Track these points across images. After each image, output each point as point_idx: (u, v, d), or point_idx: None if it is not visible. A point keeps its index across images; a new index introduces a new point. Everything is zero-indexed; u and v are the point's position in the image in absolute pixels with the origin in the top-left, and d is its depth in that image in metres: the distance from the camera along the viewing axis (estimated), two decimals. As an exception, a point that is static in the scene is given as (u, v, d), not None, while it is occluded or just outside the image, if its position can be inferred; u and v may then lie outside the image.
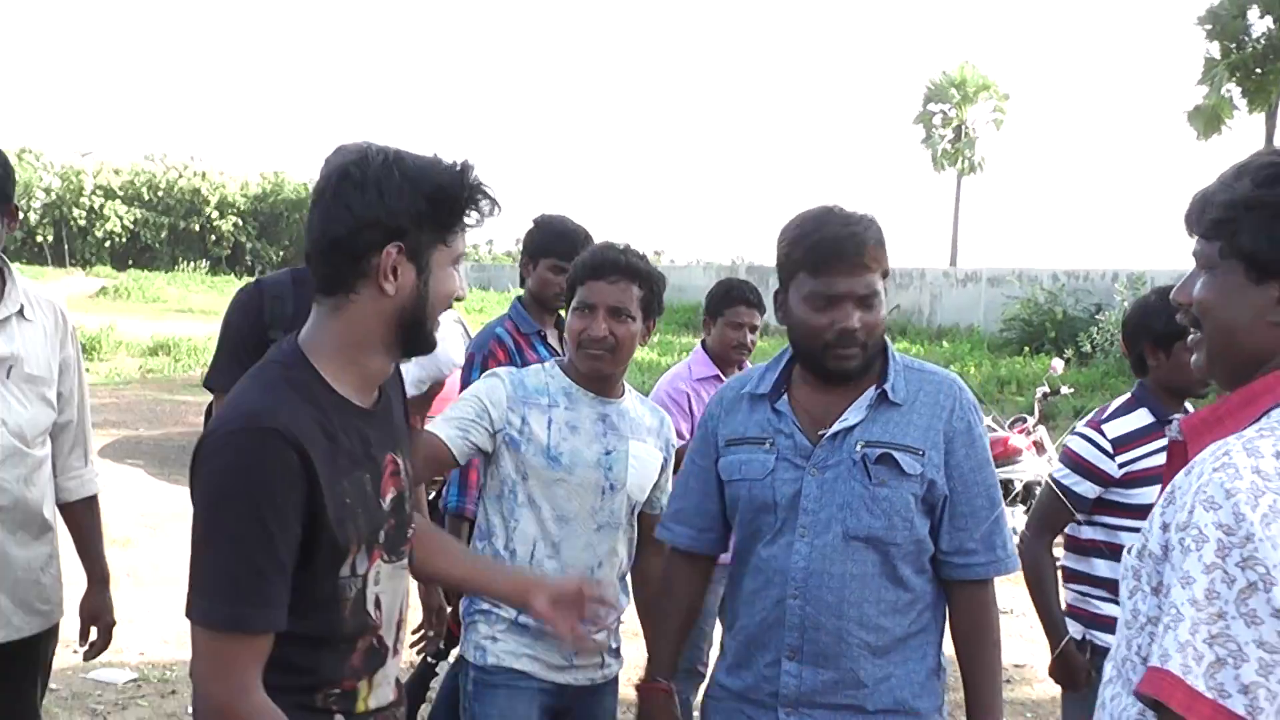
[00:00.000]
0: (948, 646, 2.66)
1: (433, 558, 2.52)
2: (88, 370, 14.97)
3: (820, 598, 2.54)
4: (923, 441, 2.57)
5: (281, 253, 59.27)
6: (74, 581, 3.47)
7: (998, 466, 8.88)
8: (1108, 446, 3.58)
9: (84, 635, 3.54)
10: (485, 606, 3.06)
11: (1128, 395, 3.77)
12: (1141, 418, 3.63)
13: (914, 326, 29.73)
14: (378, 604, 2.12)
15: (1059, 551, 3.80)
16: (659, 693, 2.85)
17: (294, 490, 1.89)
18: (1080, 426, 3.81)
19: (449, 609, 3.93)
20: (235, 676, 1.88)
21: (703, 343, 4.99)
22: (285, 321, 3.15)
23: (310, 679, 2.05)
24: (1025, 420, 9.89)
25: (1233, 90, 32.00)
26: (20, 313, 3.16)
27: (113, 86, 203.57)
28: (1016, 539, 3.32)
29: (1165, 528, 1.53)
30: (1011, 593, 6.09)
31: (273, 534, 1.87)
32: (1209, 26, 31.66)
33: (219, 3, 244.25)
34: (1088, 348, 22.09)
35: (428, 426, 3.03)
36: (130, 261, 61.37)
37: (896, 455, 2.54)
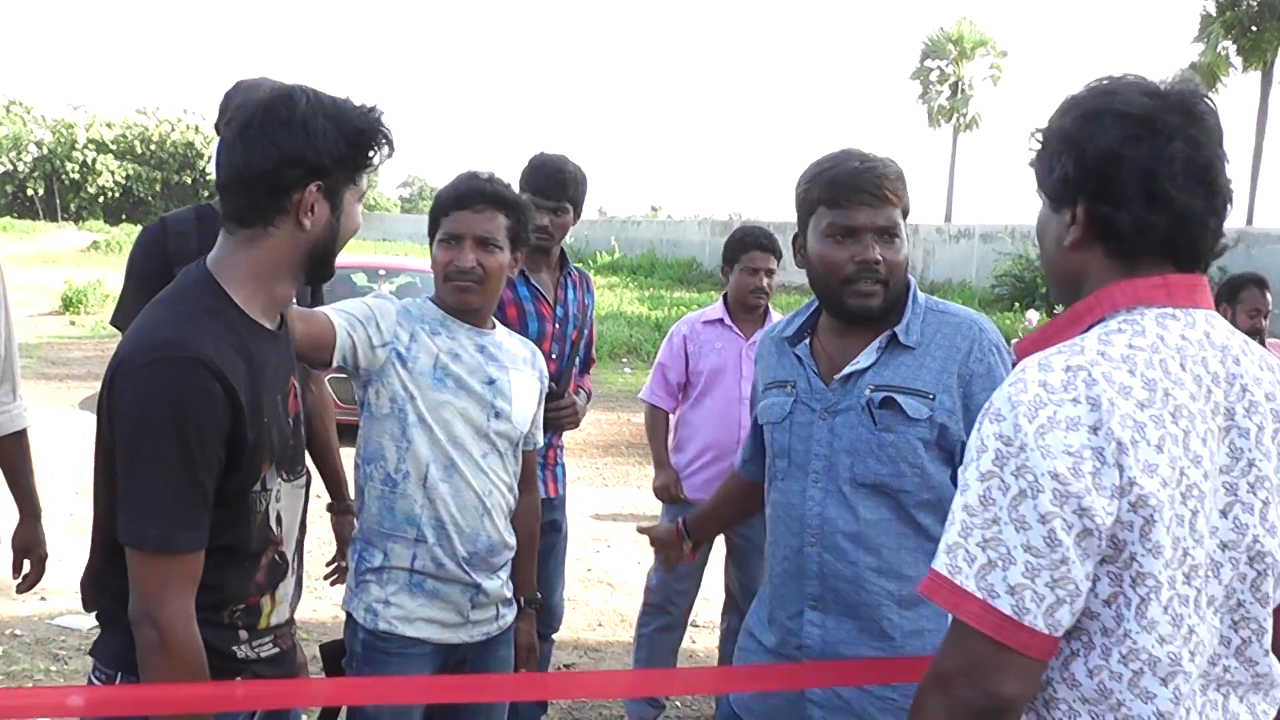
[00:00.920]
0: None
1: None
2: (72, 324, 14.93)
3: (836, 544, 2.50)
4: (934, 385, 2.48)
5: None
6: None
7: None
8: None
9: (16, 568, 3.56)
10: (378, 564, 2.98)
11: None
12: None
13: (906, 283, 29.65)
14: (279, 520, 2.24)
15: None
16: (673, 533, 3.20)
17: (216, 418, 1.97)
18: None
19: None
20: (171, 599, 1.96)
21: (725, 295, 5.00)
22: (190, 257, 3.08)
23: (218, 595, 2.11)
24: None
25: (1229, 48, 31.93)
26: None
27: (105, 38, 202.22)
28: None
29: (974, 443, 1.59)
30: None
31: (195, 460, 1.95)
32: (1206, -18, 31.46)
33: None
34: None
35: (322, 308, 2.92)
36: (123, 216, 61.30)
37: (900, 399, 2.47)
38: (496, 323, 3.18)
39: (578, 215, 4.29)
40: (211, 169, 3.45)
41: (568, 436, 4.48)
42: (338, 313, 2.88)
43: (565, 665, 5.73)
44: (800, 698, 2.53)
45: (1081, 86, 1.73)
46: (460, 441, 2.94)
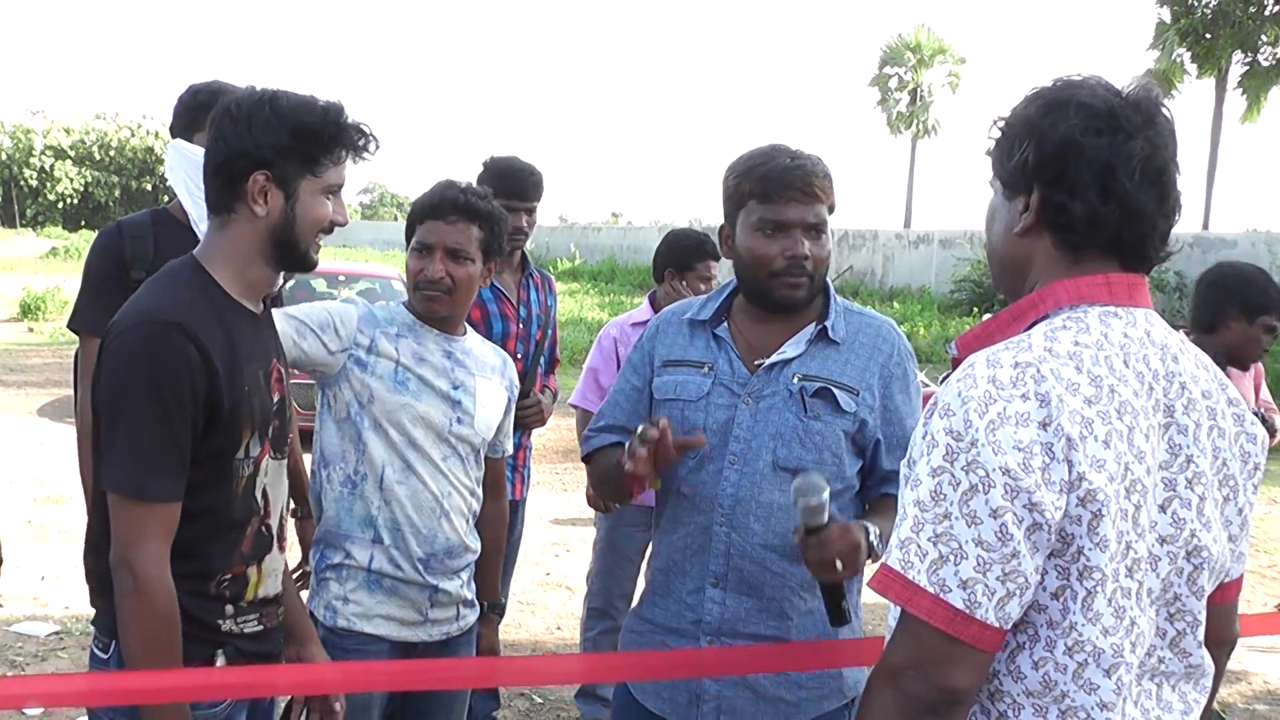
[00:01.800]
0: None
1: None
2: (30, 331, 14.79)
3: (747, 525, 2.53)
4: (858, 382, 2.58)
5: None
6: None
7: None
8: None
9: None
10: (337, 561, 3.02)
11: None
12: None
13: (866, 288, 29.87)
14: (265, 494, 2.39)
15: None
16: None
17: (192, 378, 2.15)
18: None
19: None
20: (146, 544, 2.12)
21: (652, 294, 4.95)
22: (146, 261, 3.15)
23: (203, 564, 2.26)
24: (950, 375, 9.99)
25: (1183, 55, 32.20)
26: None
27: (64, 43, 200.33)
28: None
29: (923, 437, 1.59)
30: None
31: (172, 415, 2.13)
32: (1160, -9, 31.80)
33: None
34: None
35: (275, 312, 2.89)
36: (82, 222, 60.75)
37: (835, 391, 2.55)
38: (469, 329, 3.21)
39: (534, 217, 4.38)
40: (165, 169, 3.47)
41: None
42: (288, 319, 2.89)
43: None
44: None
45: (1048, 81, 1.76)
46: (418, 444, 2.97)
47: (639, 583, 4.96)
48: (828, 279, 2.69)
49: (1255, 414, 2.84)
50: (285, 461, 2.49)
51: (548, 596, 6.97)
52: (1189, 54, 32.10)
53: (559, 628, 6.45)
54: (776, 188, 2.55)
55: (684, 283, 4.81)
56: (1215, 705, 1.80)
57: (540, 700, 5.35)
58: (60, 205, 63.08)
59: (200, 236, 3.03)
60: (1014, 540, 1.48)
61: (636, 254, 38.42)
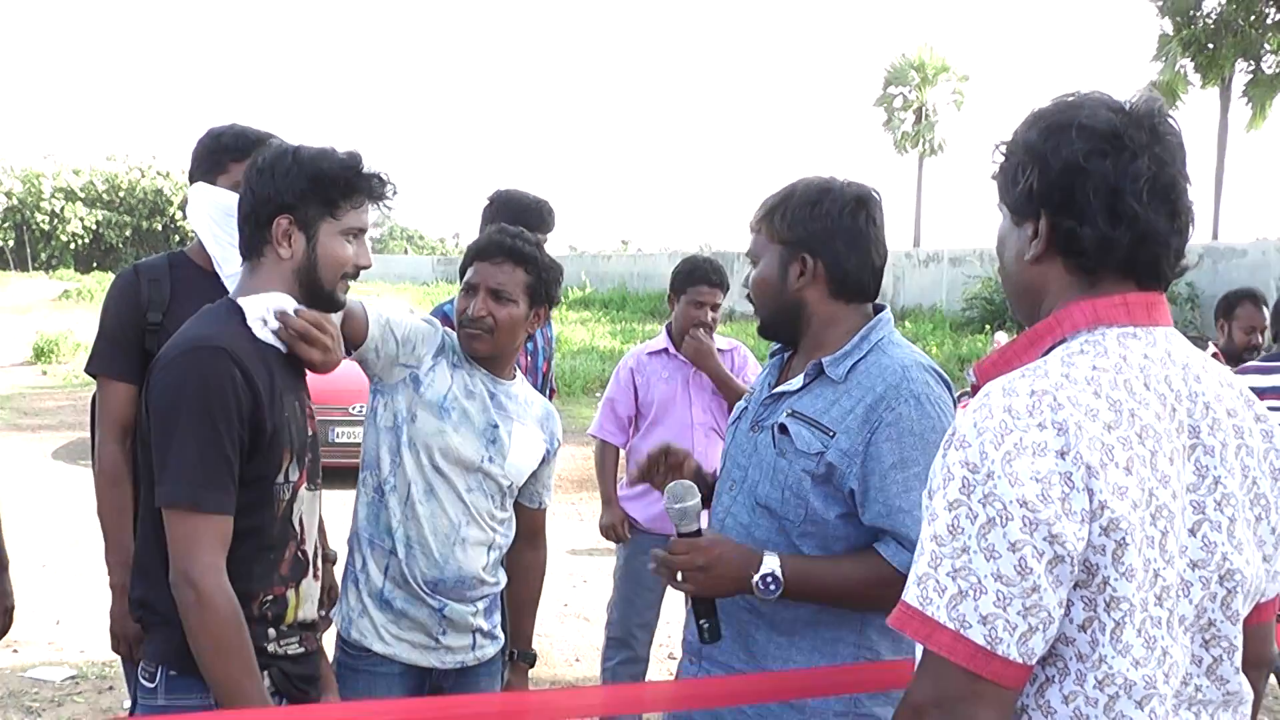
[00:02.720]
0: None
1: None
2: (44, 374, 14.82)
3: None
4: (838, 423, 2.40)
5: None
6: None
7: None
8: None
9: None
10: (359, 568, 3.09)
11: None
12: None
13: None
14: (301, 521, 2.52)
15: None
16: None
17: (238, 399, 2.29)
18: None
19: None
20: (203, 554, 2.23)
21: (668, 325, 4.99)
22: (163, 305, 3.16)
23: (246, 585, 2.35)
24: (970, 395, 9.92)
25: (1186, 66, 32.29)
26: None
27: (74, 87, 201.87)
28: None
29: (941, 470, 1.56)
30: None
31: (221, 434, 2.27)
32: (1161, 3, 31.91)
33: (181, 5, 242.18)
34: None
35: (359, 296, 2.98)
36: (94, 263, 61.06)
37: (794, 428, 2.43)
38: (519, 374, 3.27)
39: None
40: (181, 215, 3.49)
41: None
42: (379, 322, 2.97)
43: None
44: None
45: (1048, 101, 1.73)
46: (444, 470, 3.02)
47: (659, 613, 4.96)
48: (880, 316, 2.54)
49: None
50: (319, 494, 2.63)
51: (565, 628, 6.94)
52: (1192, 64, 32.19)
53: (578, 659, 6.42)
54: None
55: (679, 306, 4.84)
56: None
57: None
58: (72, 247, 63.43)
59: (224, 278, 3.07)
60: (1034, 574, 1.45)
61: (647, 281, 38.49)
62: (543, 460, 3.26)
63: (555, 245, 4.39)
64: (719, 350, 4.85)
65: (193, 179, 3.28)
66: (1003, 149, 1.74)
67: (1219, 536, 1.59)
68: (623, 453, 5.09)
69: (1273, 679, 3.85)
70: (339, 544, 3.30)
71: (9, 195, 62.93)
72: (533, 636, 3.39)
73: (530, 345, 4.31)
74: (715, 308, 4.82)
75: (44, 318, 29.31)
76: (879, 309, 2.58)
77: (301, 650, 2.55)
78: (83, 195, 63.89)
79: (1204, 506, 1.59)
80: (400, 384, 3.04)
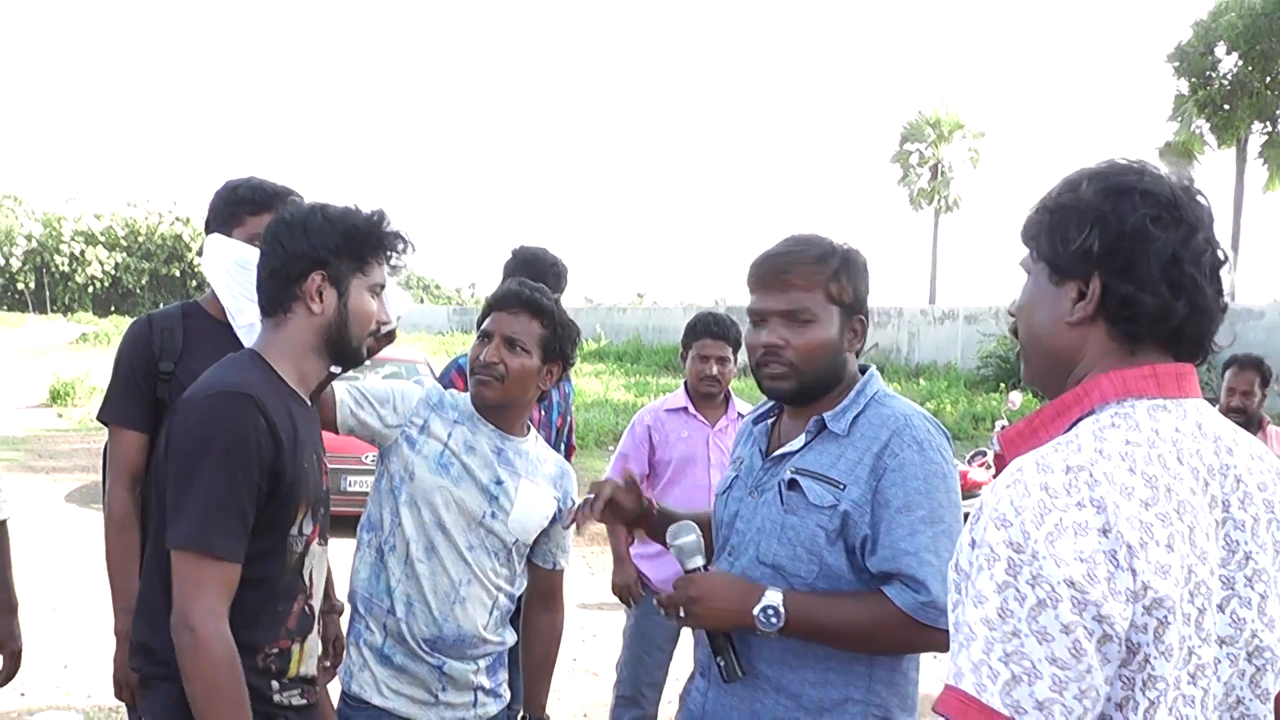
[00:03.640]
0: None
1: None
2: (60, 417, 14.82)
3: None
4: (847, 475, 2.41)
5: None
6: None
7: (967, 497, 8.90)
8: None
9: None
10: (360, 627, 3.08)
11: None
12: None
13: (892, 364, 29.85)
14: (310, 575, 2.54)
15: None
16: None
17: (260, 446, 2.30)
18: None
19: None
20: (205, 599, 2.22)
21: (686, 382, 4.96)
22: (175, 353, 3.18)
23: (251, 634, 2.35)
24: (984, 454, 9.90)
25: (1202, 126, 32.44)
26: None
27: (97, 132, 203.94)
28: None
29: (972, 545, 1.51)
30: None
31: (239, 480, 2.27)
32: (1177, 63, 32.12)
33: (205, 51, 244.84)
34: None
35: (338, 383, 2.99)
36: (112, 307, 61.46)
37: (804, 482, 2.43)
38: (532, 431, 3.25)
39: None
40: (199, 261, 3.52)
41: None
42: (349, 389, 3.02)
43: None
44: None
45: (1095, 163, 1.70)
46: (446, 527, 3.00)
47: (668, 671, 4.92)
48: (869, 369, 2.60)
49: None
50: (327, 550, 2.64)
51: (574, 682, 6.89)
52: (1208, 125, 32.34)
53: (586, 715, 6.37)
54: (754, 277, 2.55)
55: (688, 362, 4.85)
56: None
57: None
58: (90, 290, 63.85)
59: (236, 329, 3.09)
60: (1087, 655, 1.41)
61: (661, 334, 38.56)
62: (555, 519, 3.22)
63: (570, 297, 4.43)
64: (740, 414, 4.83)
65: (209, 230, 3.31)
66: (1049, 204, 1.69)
67: (1249, 613, 1.57)
68: None
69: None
70: (345, 594, 3.30)
71: (29, 238, 63.49)
72: (545, 704, 3.34)
73: (544, 400, 4.30)
74: (722, 361, 4.80)
75: (61, 360, 29.45)
76: (864, 368, 2.62)
77: (304, 702, 2.56)
78: (103, 239, 64.44)
79: (1234, 582, 1.56)
80: (395, 446, 3.04)
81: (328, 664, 3.76)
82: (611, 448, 18.18)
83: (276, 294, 2.47)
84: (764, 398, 2.66)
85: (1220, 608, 1.55)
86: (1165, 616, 1.44)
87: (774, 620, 2.33)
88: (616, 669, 4.99)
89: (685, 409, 4.88)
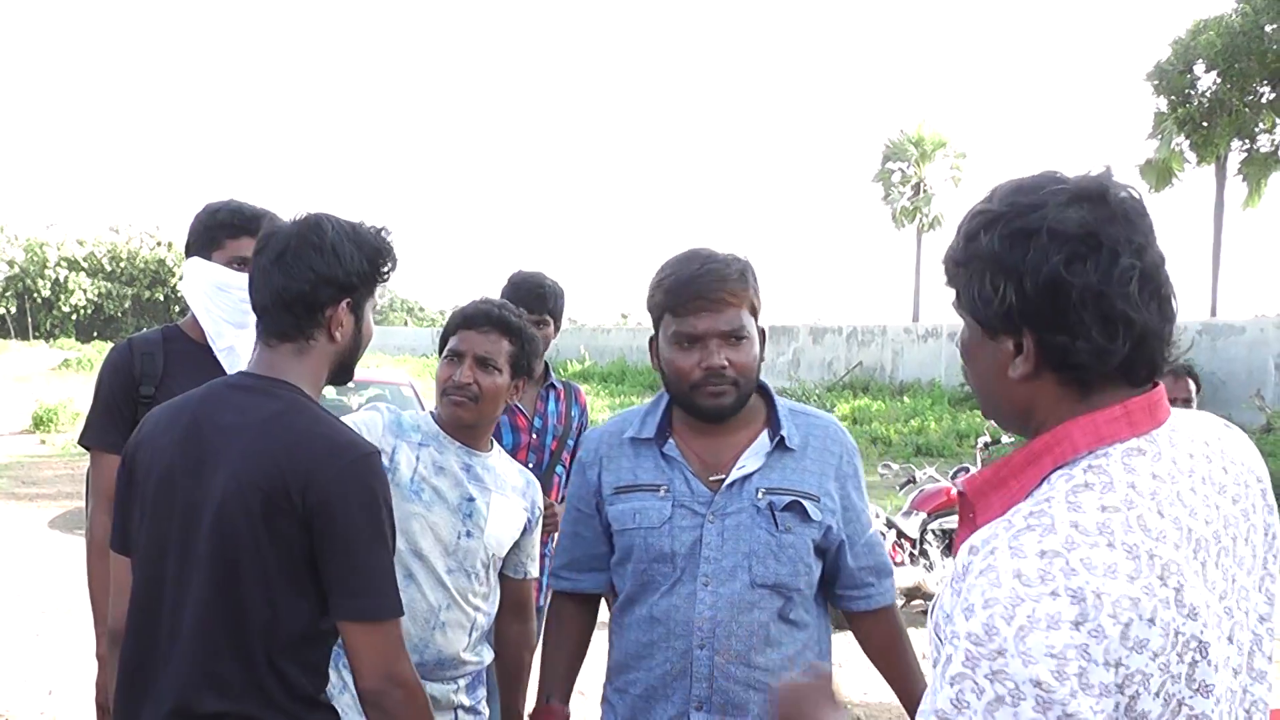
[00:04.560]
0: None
1: None
2: (43, 443, 14.80)
3: (729, 647, 2.50)
4: (818, 488, 2.57)
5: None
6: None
7: (941, 515, 8.94)
8: None
9: None
10: (338, 652, 3.04)
11: None
12: None
13: (876, 383, 29.89)
14: None
15: None
16: (555, 715, 2.77)
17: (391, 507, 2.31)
18: None
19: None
20: (405, 656, 2.25)
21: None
22: (155, 378, 3.19)
23: (323, 678, 2.37)
24: (967, 470, 9.91)
25: (1182, 144, 32.66)
26: None
27: (78, 158, 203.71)
28: None
29: (944, 623, 1.44)
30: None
31: (391, 536, 2.27)
32: (1157, 82, 32.36)
33: (185, 77, 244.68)
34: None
35: None
36: (94, 333, 61.30)
37: (805, 504, 2.54)
38: (495, 445, 3.24)
39: (557, 328, 4.43)
40: (181, 286, 3.50)
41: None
42: None
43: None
44: None
45: (993, 195, 1.58)
46: (423, 554, 2.99)
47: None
48: (765, 383, 2.68)
49: None
50: None
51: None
52: (1188, 142, 32.54)
53: (573, 733, 6.34)
54: (685, 299, 2.50)
55: None
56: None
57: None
58: (73, 316, 63.66)
59: (216, 352, 3.08)
60: None
61: (646, 355, 38.25)
62: (525, 530, 3.22)
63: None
64: None
65: (189, 253, 3.32)
66: (955, 257, 1.60)
67: (1245, 635, 1.55)
68: None
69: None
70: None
71: (11, 264, 63.32)
72: (524, 712, 3.32)
73: (539, 423, 4.30)
74: None
75: (44, 386, 29.34)
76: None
77: None
78: (85, 265, 64.24)
79: (1233, 611, 1.52)
80: None
81: None
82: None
83: (299, 319, 2.32)
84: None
85: (1229, 638, 1.49)
86: (1137, 690, 1.35)
87: None
88: (603, 687, 4.96)
89: None
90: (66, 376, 36.00)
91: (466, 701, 3.15)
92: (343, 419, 3.06)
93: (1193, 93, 31.81)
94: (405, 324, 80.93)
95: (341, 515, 2.17)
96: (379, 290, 2.46)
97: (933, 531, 8.84)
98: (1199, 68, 31.45)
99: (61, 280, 63.28)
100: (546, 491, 4.19)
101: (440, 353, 3.19)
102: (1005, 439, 10.46)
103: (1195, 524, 1.48)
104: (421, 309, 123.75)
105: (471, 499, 3.06)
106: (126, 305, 63.81)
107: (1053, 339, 1.49)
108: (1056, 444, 1.52)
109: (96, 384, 3.33)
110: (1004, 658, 1.33)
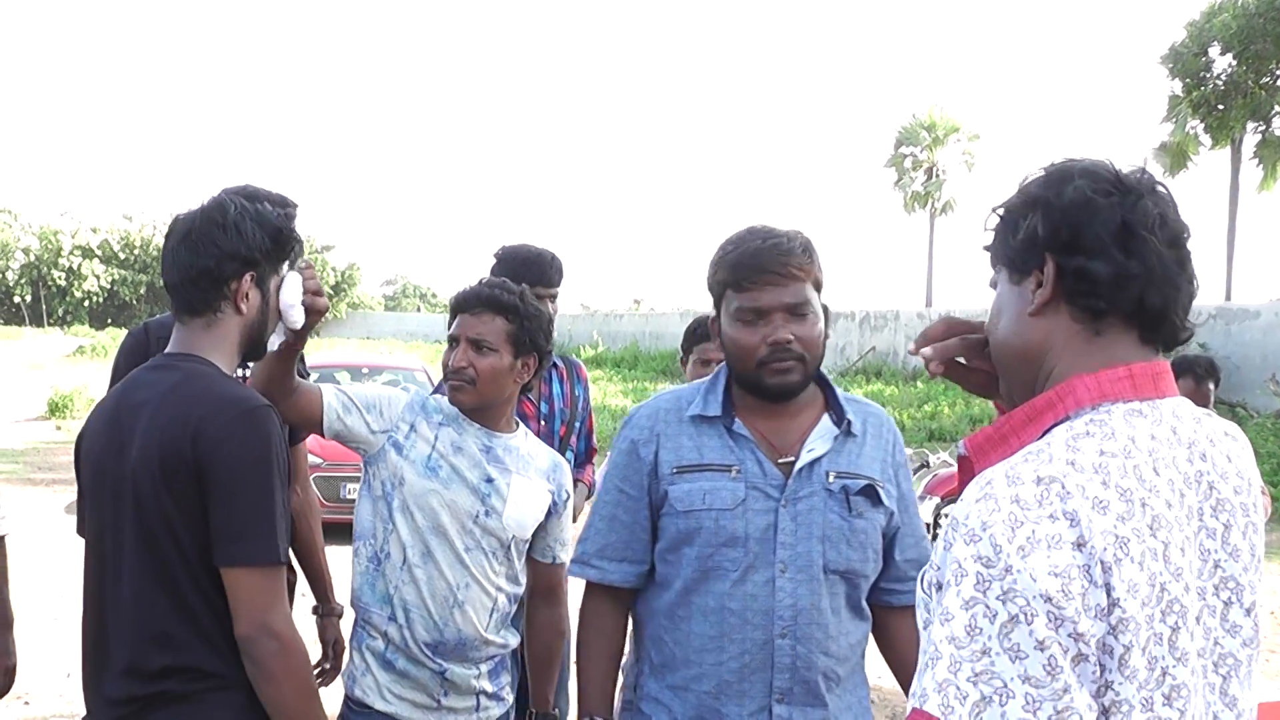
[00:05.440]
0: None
1: None
2: (58, 429, 14.87)
3: (810, 635, 2.45)
4: (880, 474, 2.57)
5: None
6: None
7: (955, 500, 8.99)
8: None
9: None
10: (363, 633, 3.08)
11: None
12: None
13: (889, 368, 29.85)
14: None
15: None
16: None
17: (284, 458, 2.39)
18: None
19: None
20: (281, 605, 2.31)
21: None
22: None
23: None
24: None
25: (1197, 127, 32.46)
26: None
27: (92, 146, 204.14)
28: None
29: (940, 562, 1.47)
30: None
31: (281, 490, 2.35)
32: (1171, 64, 32.11)
33: (198, 65, 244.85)
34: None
35: (319, 382, 3.01)
36: (109, 320, 61.46)
37: (877, 488, 2.54)
38: (520, 425, 3.24)
39: (555, 303, 4.24)
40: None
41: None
42: (337, 393, 3.04)
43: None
44: None
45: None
46: (442, 531, 3.00)
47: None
48: (822, 370, 2.62)
49: None
50: None
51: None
52: (1203, 125, 32.34)
53: (588, 717, 6.36)
54: (749, 273, 2.45)
55: (689, 366, 4.76)
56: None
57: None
58: (87, 304, 63.80)
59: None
60: (1063, 673, 1.33)
61: (659, 340, 38.53)
62: (551, 513, 3.20)
63: (567, 303, 4.33)
64: None
65: None
66: (998, 212, 1.67)
67: (1213, 620, 1.52)
68: None
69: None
70: (345, 598, 3.31)
71: (27, 252, 63.44)
72: (552, 697, 3.30)
73: (545, 408, 4.23)
74: (720, 363, 4.74)
75: (58, 373, 29.46)
76: None
77: None
78: (99, 253, 64.35)
79: (1204, 593, 1.51)
80: (382, 452, 3.04)
81: (326, 666, 3.78)
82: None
83: (207, 293, 2.44)
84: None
85: (1197, 619, 1.48)
86: (1130, 640, 1.37)
87: None
88: (622, 672, 4.96)
89: None
90: (81, 363, 36.13)
91: (489, 688, 3.15)
92: (369, 387, 3.11)
93: (1208, 75, 31.59)
94: (418, 310, 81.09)
95: (225, 463, 2.29)
96: (285, 268, 2.56)
97: (946, 516, 8.85)
98: (1214, 50, 31.21)
99: (75, 268, 63.39)
100: None
101: None
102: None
103: (1189, 493, 1.50)
104: (435, 295, 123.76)
105: (490, 479, 3.06)
106: (141, 292, 63.91)
107: (1071, 260, 1.54)
108: (1060, 400, 1.55)
109: (114, 368, 3.36)
110: (1011, 575, 1.35)
